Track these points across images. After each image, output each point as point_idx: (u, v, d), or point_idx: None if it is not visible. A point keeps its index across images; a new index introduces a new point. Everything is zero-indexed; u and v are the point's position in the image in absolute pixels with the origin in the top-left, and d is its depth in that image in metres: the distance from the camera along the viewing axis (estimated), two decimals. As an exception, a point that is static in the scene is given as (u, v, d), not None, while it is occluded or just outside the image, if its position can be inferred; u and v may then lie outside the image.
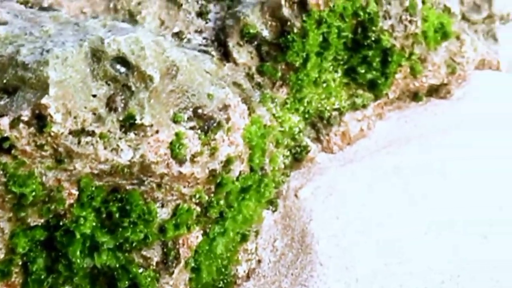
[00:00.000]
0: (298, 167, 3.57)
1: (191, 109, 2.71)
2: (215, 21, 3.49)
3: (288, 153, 3.46)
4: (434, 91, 4.01)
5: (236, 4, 3.50)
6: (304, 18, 3.37)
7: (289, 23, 3.38)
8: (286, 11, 3.39)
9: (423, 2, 3.77)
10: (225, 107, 2.80)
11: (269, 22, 3.40)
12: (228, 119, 2.78)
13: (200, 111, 2.72)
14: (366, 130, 3.75)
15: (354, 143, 3.77)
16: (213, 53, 3.32)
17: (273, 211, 3.37)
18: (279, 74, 3.40)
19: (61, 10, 3.13)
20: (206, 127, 2.71)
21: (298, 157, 3.50)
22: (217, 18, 3.50)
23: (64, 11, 3.09)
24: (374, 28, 3.56)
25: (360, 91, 3.70)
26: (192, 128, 2.67)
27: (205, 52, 3.29)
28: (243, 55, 3.36)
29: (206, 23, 3.49)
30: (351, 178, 3.61)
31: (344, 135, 3.67)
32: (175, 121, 2.65)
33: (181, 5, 3.43)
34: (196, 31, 3.41)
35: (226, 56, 3.37)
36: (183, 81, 2.68)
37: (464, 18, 4.23)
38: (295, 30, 3.36)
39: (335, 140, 3.65)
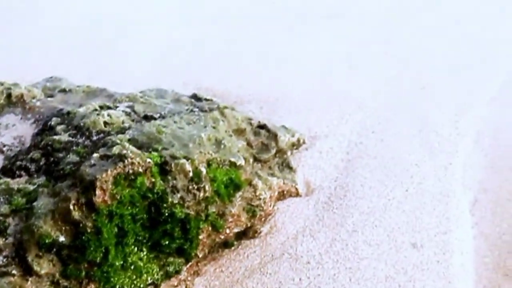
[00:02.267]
0: None
1: None
2: (15, 235, 3.41)
3: None
4: (243, 234, 4.08)
5: (30, 215, 3.43)
6: (95, 217, 3.35)
7: (81, 225, 3.35)
8: (76, 214, 3.37)
9: (209, 165, 3.86)
10: None
11: (63, 228, 3.36)
12: None
13: None
14: (185, 292, 3.74)
15: (177, 308, 3.74)
16: (14, 271, 3.22)
17: None
18: (84, 273, 3.35)
19: None
20: None
21: None
22: (17, 231, 3.42)
23: None
24: (165, 205, 3.60)
25: (170, 259, 3.71)
26: None
27: (5, 273, 3.19)
28: (44, 265, 3.30)
29: (6, 239, 3.40)
30: None
31: (164, 304, 3.64)
32: None
33: (-23, 230, 3.32)
34: (-5, 253, 3.30)
35: (28, 270, 3.27)
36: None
37: (256, 159, 4.37)
38: (89, 230, 3.34)
39: (156, 312, 3.60)
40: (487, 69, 6.02)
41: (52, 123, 4.17)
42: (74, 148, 3.88)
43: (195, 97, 4.93)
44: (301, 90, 5.50)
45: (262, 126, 4.58)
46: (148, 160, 3.58)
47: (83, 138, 3.97)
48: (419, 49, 6.29)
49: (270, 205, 4.18)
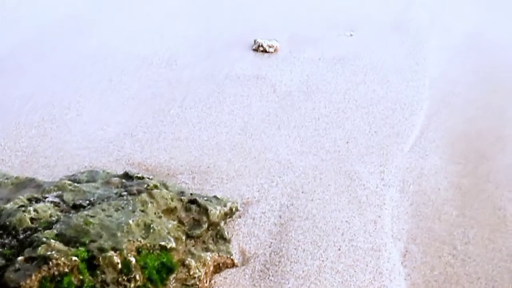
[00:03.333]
0: None
1: None
2: None
3: None
4: (181, 315, 3.94)
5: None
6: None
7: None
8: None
9: (139, 252, 3.75)
10: None
11: None
12: None
13: None
14: None
15: None
16: None
17: None
18: None
19: None
20: None
21: None
22: None
23: None
24: (96, 301, 3.45)
25: None
26: None
27: None
28: None
29: None
30: None
31: None
32: None
33: None
34: None
35: None
36: None
37: (188, 236, 4.27)
38: None
39: None
40: (405, 118, 6.12)
41: (-21, 224, 3.99)
42: (1, 250, 3.71)
43: (127, 175, 4.84)
44: (231, 155, 5.46)
45: (193, 201, 4.50)
46: (74, 258, 3.46)
47: (10, 238, 3.82)
48: (341, 103, 6.36)
49: (206, 281, 4.09)
